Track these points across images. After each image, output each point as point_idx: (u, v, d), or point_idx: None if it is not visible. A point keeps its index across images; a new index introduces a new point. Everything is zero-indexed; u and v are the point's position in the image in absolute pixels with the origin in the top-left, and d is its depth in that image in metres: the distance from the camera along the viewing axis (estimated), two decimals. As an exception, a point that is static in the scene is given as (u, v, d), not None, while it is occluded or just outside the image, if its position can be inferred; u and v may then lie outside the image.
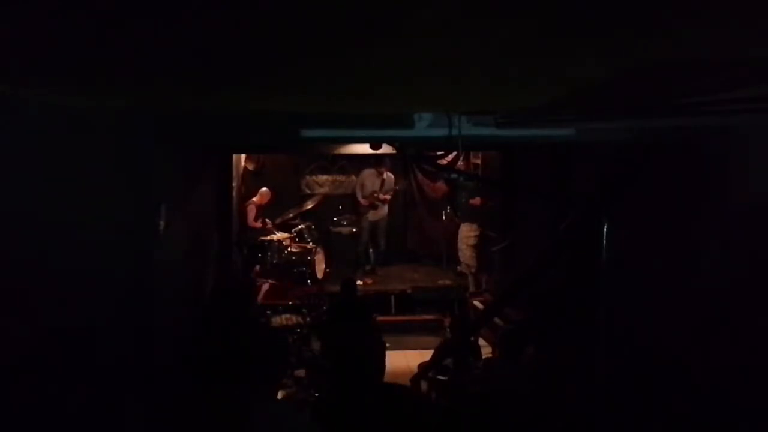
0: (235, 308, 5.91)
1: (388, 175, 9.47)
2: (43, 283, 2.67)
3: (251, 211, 8.92)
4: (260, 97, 3.00)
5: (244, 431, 2.75)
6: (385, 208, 9.64)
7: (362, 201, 9.45)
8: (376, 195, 9.40)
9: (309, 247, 9.12)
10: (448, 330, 7.62)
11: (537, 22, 1.32)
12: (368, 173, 9.43)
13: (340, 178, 10.37)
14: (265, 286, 8.33)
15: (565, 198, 6.00)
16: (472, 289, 9.11)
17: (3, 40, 1.50)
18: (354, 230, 9.72)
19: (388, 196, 9.54)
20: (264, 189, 9.12)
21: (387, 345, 6.83)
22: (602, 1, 1.17)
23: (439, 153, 8.90)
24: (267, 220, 9.19)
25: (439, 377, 5.52)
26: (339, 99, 3.02)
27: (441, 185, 10.26)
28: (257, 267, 7.94)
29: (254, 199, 9.06)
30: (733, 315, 3.47)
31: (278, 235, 9.02)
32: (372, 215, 9.52)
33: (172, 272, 5.06)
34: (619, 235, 3.86)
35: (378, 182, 9.40)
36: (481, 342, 6.47)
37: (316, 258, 8.97)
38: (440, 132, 3.84)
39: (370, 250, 9.78)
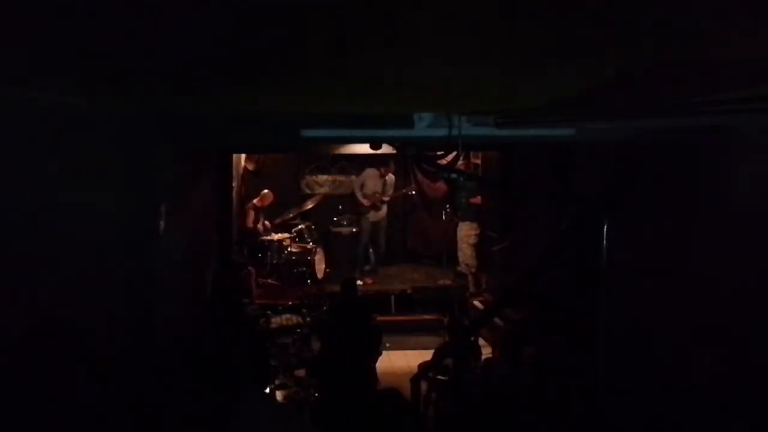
0: (229, 306, 5.90)
1: (390, 177, 9.46)
2: (42, 283, 2.68)
3: (250, 216, 8.89)
4: (260, 97, 3.00)
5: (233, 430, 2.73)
6: (385, 209, 9.64)
7: (364, 201, 9.40)
8: (378, 196, 9.39)
9: (309, 247, 9.11)
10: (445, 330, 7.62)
11: (537, 22, 1.32)
12: (370, 173, 9.38)
13: (340, 178, 10.36)
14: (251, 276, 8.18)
15: (565, 198, 6.00)
16: (472, 289, 9.10)
17: (3, 40, 1.50)
18: (354, 230, 9.71)
19: (389, 197, 9.54)
20: (266, 191, 9.07)
21: (387, 345, 6.86)
22: (602, 2, 1.17)
23: (439, 153, 8.93)
24: (266, 222, 9.17)
25: (439, 377, 5.52)
26: (339, 99, 3.02)
27: (441, 185, 10.26)
28: (250, 268, 7.87)
29: (255, 201, 9.03)
30: (732, 314, 3.47)
31: (278, 236, 9.01)
32: (373, 216, 9.50)
33: (172, 272, 5.06)
34: (619, 235, 3.87)
35: (380, 183, 9.39)
36: (481, 342, 6.47)
37: (316, 258, 8.97)
38: (440, 132, 3.84)
39: (370, 250, 9.77)
